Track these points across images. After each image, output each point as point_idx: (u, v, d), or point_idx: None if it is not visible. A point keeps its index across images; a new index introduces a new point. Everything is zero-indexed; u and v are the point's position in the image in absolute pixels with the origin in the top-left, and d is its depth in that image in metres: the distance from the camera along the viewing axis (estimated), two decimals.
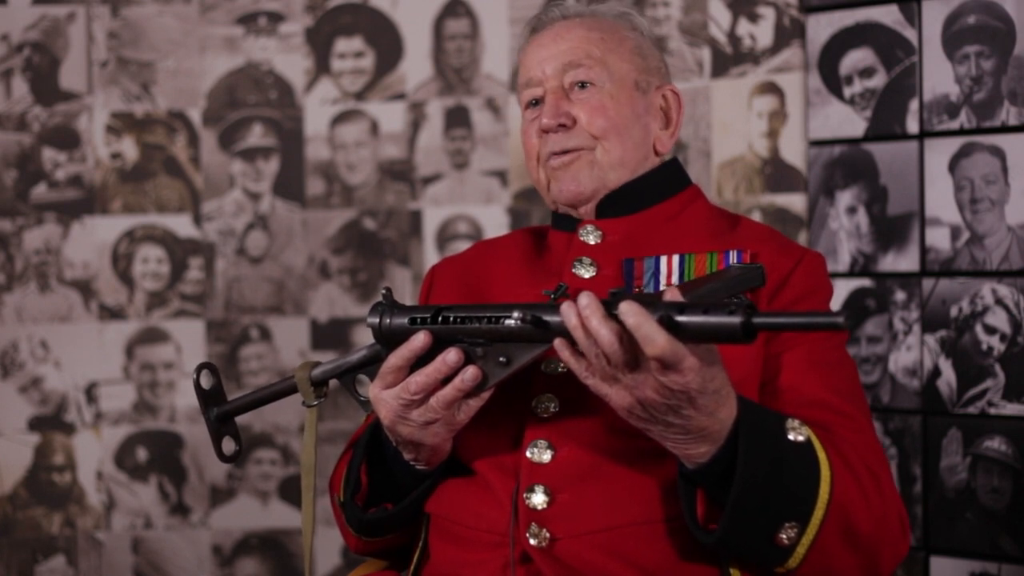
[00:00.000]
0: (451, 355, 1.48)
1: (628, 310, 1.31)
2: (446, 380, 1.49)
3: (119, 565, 2.88)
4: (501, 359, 1.48)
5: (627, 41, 1.76)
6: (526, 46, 1.78)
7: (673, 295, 1.36)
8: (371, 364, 1.60)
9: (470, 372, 1.48)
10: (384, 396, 1.53)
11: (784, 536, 1.43)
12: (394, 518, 1.66)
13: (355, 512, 1.67)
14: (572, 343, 1.39)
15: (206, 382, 1.71)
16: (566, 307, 1.38)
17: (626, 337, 1.33)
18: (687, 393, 1.34)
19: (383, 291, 1.55)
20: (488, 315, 1.47)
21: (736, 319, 1.28)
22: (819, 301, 1.65)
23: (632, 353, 1.34)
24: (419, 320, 1.51)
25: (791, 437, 1.45)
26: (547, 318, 1.42)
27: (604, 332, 1.34)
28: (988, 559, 2.32)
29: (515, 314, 1.45)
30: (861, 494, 1.48)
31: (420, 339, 1.49)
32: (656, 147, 1.77)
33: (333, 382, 1.69)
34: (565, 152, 1.71)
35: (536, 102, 1.75)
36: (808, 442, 1.45)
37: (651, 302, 1.33)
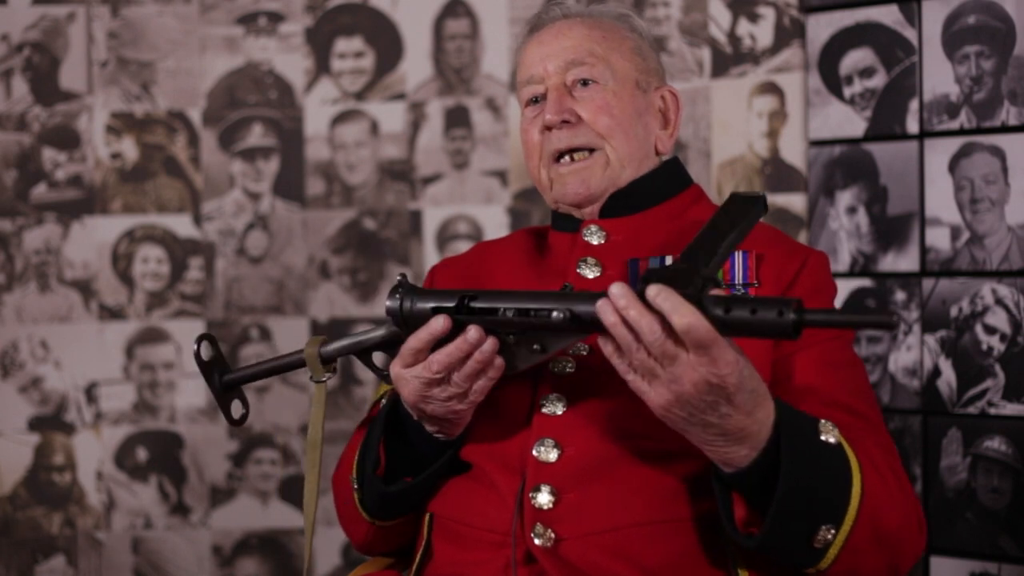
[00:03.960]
0: (472, 333, 1.49)
1: (656, 292, 1.32)
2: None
3: (119, 565, 2.87)
4: (535, 347, 1.49)
5: (627, 41, 1.76)
6: (525, 45, 1.78)
7: (718, 291, 1.36)
8: (388, 346, 1.62)
9: (488, 344, 1.49)
10: (406, 375, 1.54)
11: (821, 538, 1.43)
12: (413, 491, 1.66)
13: (376, 486, 1.66)
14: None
15: (206, 353, 1.74)
16: (602, 304, 1.37)
17: (666, 324, 1.33)
18: (725, 388, 1.34)
19: (399, 276, 1.56)
20: (519, 307, 1.47)
21: (788, 318, 1.30)
22: (824, 300, 1.66)
23: (673, 341, 1.34)
24: (443, 310, 1.51)
25: (824, 439, 1.44)
26: (584, 311, 1.42)
27: (645, 322, 1.34)
28: (988, 559, 2.32)
29: (554, 314, 1.44)
30: (887, 493, 1.48)
31: (440, 323, 1.49)
32: (657, 147, 1.78)
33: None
34: (572, 150, 1.71)
35: (537, 99, 1.75)
36: (839, 444, 1.45)
37: (697, 299, 1.34)
